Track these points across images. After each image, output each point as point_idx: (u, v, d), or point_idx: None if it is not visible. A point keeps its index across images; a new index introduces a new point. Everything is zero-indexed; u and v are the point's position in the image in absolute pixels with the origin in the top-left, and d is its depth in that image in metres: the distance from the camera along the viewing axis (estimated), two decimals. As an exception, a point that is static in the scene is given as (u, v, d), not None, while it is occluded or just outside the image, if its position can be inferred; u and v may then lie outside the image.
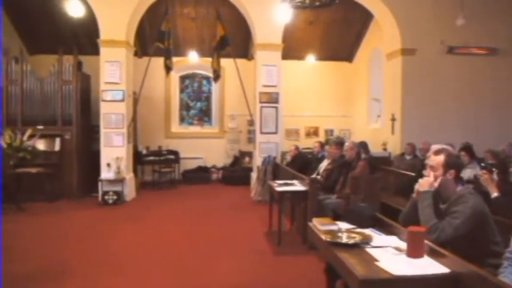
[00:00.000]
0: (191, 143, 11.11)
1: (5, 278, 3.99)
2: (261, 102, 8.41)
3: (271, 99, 8.44)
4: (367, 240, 2.54)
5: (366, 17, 10.16)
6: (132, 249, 5.09)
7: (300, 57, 11.28)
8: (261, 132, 8.42)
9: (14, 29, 9.95)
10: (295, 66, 11.14)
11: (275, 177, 7.54)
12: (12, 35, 9.87)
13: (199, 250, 5.03)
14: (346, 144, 5.73)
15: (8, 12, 9.55)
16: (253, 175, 8.70)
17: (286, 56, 9.03)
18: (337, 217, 3.69)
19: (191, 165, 11.00)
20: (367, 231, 2.77)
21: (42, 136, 7.97)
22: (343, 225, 3.00)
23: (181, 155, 10.74)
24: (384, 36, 9.06)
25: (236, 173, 10.51)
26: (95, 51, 8.47)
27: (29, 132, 7.53)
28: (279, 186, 5.39)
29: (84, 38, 9.69)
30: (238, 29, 9.93)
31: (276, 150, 8.39)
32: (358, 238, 2.56)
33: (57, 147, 8.24)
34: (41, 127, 8.12)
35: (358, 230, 2.78)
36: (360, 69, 11.39)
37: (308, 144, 10.53)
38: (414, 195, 2.79)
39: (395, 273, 1.97)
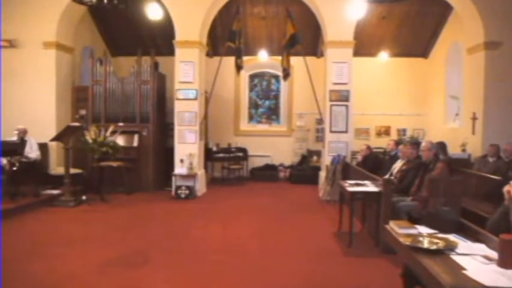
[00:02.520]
0: (259, 141, 11.24)
1: (93, 264, 4.33)
2: (331, 100, 8.27)
3: (342, 97, 8.27)
4: (451, 246, 2.40)
5: (444, 9, 9.58)
6: (204, 243, 5.26)
7: (372, 54, 10.92)
8: (331, 131, 8.28)
9: (99, 34, 10.76)
10: (366, 63, 10.81)
11: (345, 177, 7.39)
12: (97, 39, 10.69)
13: (268, 248, 5.07)
14: (423, 144, 5.44)
15: (94, 18, 10.35)
16: (322, 174, 8.60)
17: (357, 53, 8.79)
18: (412, 220, 3.53)
19: (259, 163, 11.12)
20: (451, 236, 2.62)
21: (122, 132, 8.52)
22: (423, 229, 2.87)
23: (250, 153, 10.90)
24: (464, 29, 8.48)
25: (304, 171, 10.45)
26: (170, 52, 8.87)
27: (111, 128, 8.08)
28: (351, 186, 5.27)
29: (161, 40, 10.21)
30: (308, 26, 9.85)
31: (346, 150, 8.21)
32: (441, 244, 2.43)
33: (135, 143, 8.75)
34: (121, 124, 8.68)
35: (441, 235, 2.64)
36: (436, 65, 10.76)
37: (379, 143, 10.20)
38: (506, 202, 2.58)
39: (487, 283, 1.84)
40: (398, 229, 2.76)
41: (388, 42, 10.77)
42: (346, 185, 5.36)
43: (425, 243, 2.43)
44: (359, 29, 8.58)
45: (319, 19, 8.58)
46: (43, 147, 8.03)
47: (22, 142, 7.27)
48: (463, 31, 8.62)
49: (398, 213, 4.70)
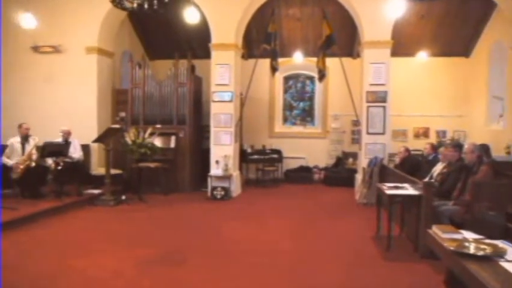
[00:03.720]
0: (294, 143, 11.21)
1: (134, 262, 4.46)
2: (367, 101, 8.14)
3: (379, 98, 8.12)
4: (500, 253, 2.31)
5: (486, 7, 9.23)
6: (240, 244, 5.29)
7: (410, 53, 10.65)
8: (367, 133, 8.15)
9: (137, 38, 11.09)
10: (404, 64, 10.55)
11: (382, 179, 7.24)
12: (135, 43, 11.03)
13: (304, 250, 5.04)
14: (466, 146, 5.26)
15: (133, 23, 10.69)
16: (358, 177, 8.47)
17: (394, 53, 8.60)
18: (454, 225, 3.43)
19: (293, 164, 11.09)
20: (498, 242, 2.52)
21: (160, 134, 8.71)
22: (468, 234, 2.77)
23: (284, 155, 10.89)
24: (508, 27, 8.13)
25: (339, 174, 10.32)
26: (206, 55, 9.01)
27: (149, 130, 8.29)
28: (389, 189, 5.16)
29: (197, 43, 10.39)
30: (344, 27, 9.74)
31: (383, 152, 8.05)
32: (489, 250, 2.34)
33: (172, 145, 8.94)
34: (159, 126, 8.89)
35: (488, 240, 2.54)
36: (478, 64, 10.36)
37: (417, 145, 9.92)
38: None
39: (541, 292, 1.76)
40: (442, 234, 2.69)
41: (427, 42, 10.47)
42: (385, 187, 5.26)
43: (472, 249, 2.35)
44: (397, 28, 8.39)
45: (356, 19, 8.46)
46: (85, 149, 8.34)
47: (66, 143, 7.58)
48: (507, 29, 8.27)
49: (439, 217, 4.57)
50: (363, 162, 8.12)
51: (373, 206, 6.45)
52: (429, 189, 4.68)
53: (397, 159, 7.89)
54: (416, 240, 4.90)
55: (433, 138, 10.55)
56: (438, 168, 5.82)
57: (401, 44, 9.67)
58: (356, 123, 9.55)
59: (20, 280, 3.90)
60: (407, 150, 7.53)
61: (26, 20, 7.91)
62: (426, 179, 5.59)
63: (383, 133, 8.14)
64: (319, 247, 5.18)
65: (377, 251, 4.98)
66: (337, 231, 5.98)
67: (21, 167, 6.90)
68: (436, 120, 10.84)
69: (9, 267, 4.21)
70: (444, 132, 10.84)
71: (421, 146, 9.43)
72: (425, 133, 10.98)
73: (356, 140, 10.42)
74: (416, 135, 11.00)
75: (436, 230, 2.79)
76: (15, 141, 7.20)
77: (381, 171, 7.63)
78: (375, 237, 5.52)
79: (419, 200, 4.76)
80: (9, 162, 6.95)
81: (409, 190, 5.07)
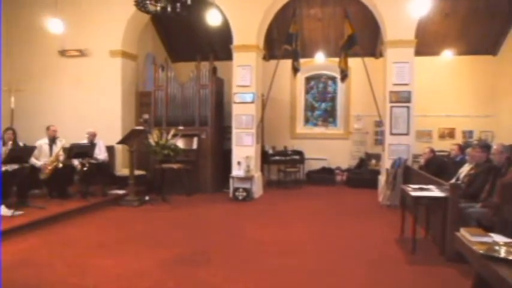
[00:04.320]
0: (315, 144, 11.14)
1: (158, 261, 4.52)
2: (391, 101, 8.02)
3: (402, 98, 7.99)
4: (532, 257, 2.23)
5: (515, 3, 8.98)
6: (262, 245, 5.28)
7: (435, 52, 10.45)
8: (391, 133, 8.03)
9: (160, 41, 11.26)
10: (428, 63, 10.35)
11: (406, 181, 7.12)
12: (158, 46, 11.20)
13: (326, 252, 4.99)
14: (494, 147, 5.11)
15: (155, 26, 10.85)
16: (381, 178, 8.35)
17: (418, 52, 8.46)
18: (482, 228, 3.34)
19: (315, 166, 11.03)
20: (530, 246, 2.43)
21: (182, 135, 8.80)
22: (498, 237, 2.70)
23: (306, 156, 10.84)
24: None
25: (362, 175, 10.20)
26: (228, 56, 9.07)
27: (172, 131, 8.39)
28: (414, 190, 5.06)
29: (218, 45, 10.47)
30: (366, 26, 9.63)
31: (407, 153, 7.91)
32: (520, 254, 2.27)
33: (194, 146, 9.02)
34: (181, 127, 8.98)
35: (519, 244, 2.47)
36: (506, 62, 10.07)
37: (442, 146, 9.73)
38: None
39: None
40: (470, 237, 2.62)
41: (452, 40, 10.25)
42: (409, 189, 5.16)
43: (503, 253, 2.29)
44: (420, 27, 8.25)
45: (378, 18, 8.36)
46: (109, 150, 8.51)
47: (92, 145, 7.75)
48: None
49: (466, 219, 4.45)
50: (387, 163, 8.00)
51: (397, 208, 6.34)
52: (456, 191, 4.57)
53: (421, 161, 7.74)
54: (442, 243, 4.80)
55: (458, 139, 10.31)
56: (465, 169, 5.68)
57: (426, 42, 9.50)
58: (379, 123, 9.43)
59: (50, 277, 4.01)
60: (432, 151, 7.37)
61: (54, 25, 8.12)
62: (452, 181, 5.47)
63: (407, 134, 8.00)
64: (342, 249, 5.13)
65: (401, 254, 4.89)
66: (360, 233, 5.91)
67: (49, 167, 7.09)
68: (462, 120, 10.59)
69: (39, 265, 4.34)
70: (471, 133, 10.59)
71: (446, 146, 9.23)
72: (451, 134, 10.74)
73: (379, 140, 10.30)
74: (442, 136, 10.77)
75: (464, 233, 2.72)
76: (43, 142, 7.40)
77: (405, 173, 7.51)
78: (399, 240, 5.43)
79: (446, 202, 4.66)
80: (38, 163, 7.14)
81: (434, 192, 4.97)
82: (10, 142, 6.55)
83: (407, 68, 7.97)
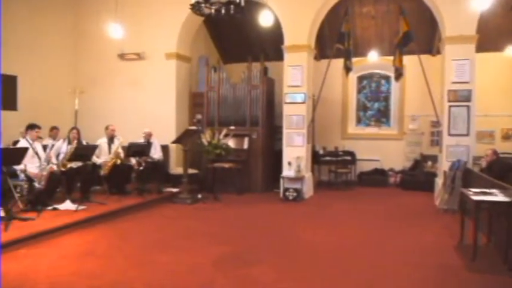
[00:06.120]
0: (368, 145, 10.89)
1: (211, 258, 4.63)
2: (449, 101, 7.66)
3: (462, 97, 7.60)
4: None
5: None
6: (312, 246, 5.25)
7: (498, 48, 9.81)
8: (449, 134, 7.66)
9: (212, 43, 11.52)
10: (491, 59, 9.75)
11: (466, 184, 6.76)
12: (210, 47, 11.47)
13: (379, 257, 4.83)
14: None
15: (208, 28, 11.12)
16: (438, 181, 7.99)
17: (479, 48, 8.01)
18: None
19: (367, 167, 10.77)
20: None
21: (234, 135, 8.94)
22: None
23: (358, 157, 10.62)
24: None
25: (417, 177, 9.82)
26: (278, 57, 9.11)
27: (224, 131, 8.56)
28: (475, 194, 4.80)
29: (269, 45, 10.53)
30: (422, 22, 9.29)
31: (467, 154, 7.52)
32: None
33: (245, 146, 9.13)
34: (232, 127, 9.13)
35: None
36: None
37: (505, 148, 9.20)
38: None
39: None
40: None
41: (518, 35, 9.60)
42: (470, 193, 4.91)
43: None
44: (482, 21, 7.79)
45: (436, 13, 8.01)
46: (164, 149, 8.83)
47: (148, 144, 8.08)
48: None
49: (534, 227, 4.17)
50: (444, 165, 7.65)
51: (455, 212, 6.06)
52: (522, 196, 4.28)
53: (483, 163, 7.32)
54: (505, 251, 4.51)
55: (525, 140, 9.67)
56: (532, 173, 5.31)
57: (487, 38, 8.96)
58: (436, 124, 9.04)
59: (111, 269, 4.24)
60: (495, 152, 6.95)
61: (114, 31, 8.56)
62: (518, 185, 5.14)
63: (467, 134, 7.61)
64: (397, 254, 4.96)
65: (461, 261, 4.66)
66: (416, 238, 5.69)
67: (109, 164, 7.48)
68: (528, 120, 9.91)
69: (101, 257, 4.61)
70: (539, 134, 9.89)
71: (510, 148, 8.67)
72: (516, 135, 10.08)
73: (436, 141, 9.88)
74: (505, 137, 10.12)
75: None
76: (102, 141, 7.81)
77: (464, 176, 7.13)
78: (458, 246, 5.18)
79: (510, 207, 4.38)
80: (98, 160, 7.56)
81: (498, 196, 4.68)
82: (75, 141, 6.99)
83: (467, 65, 7.58)
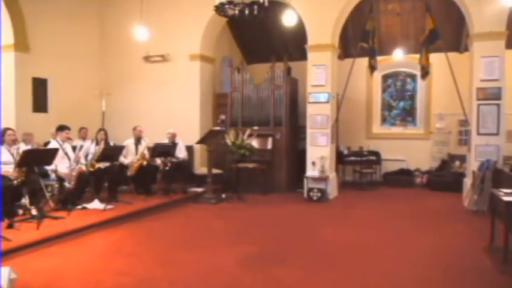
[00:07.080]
0: (393, 144, 10.71)
1: (235, 258, 4.66)
2: (478, 99, 7.45)
3: (491, 95, 7.39)
4: None
5: None
6: (337, 247, 5.21)
7: (529, 44, 9.50)
8: (478, 133, 7.46)
9: (235, 44, 11.59)
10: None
11: (496, 185, 6.56)
12: (234, 48, 11.54)
13: (406, 259, 4.76)
14: None
15: (231, 29, 11.19)
16: (467, 181, 7.79)
17: (509, 44, 7.76)
18: None
19: (392, 167, 10.60)
20: None
21: (257, 136, 8.97)
22: None
23: (383, 157, 10.46)
24: None
25: (444, 178, 9.59)
26: (302, 56, 9.07)
27: (248, 132, 8.59)
28: (506, 195, 4.66)
29: (292, 45, 10.53)
30: (448, 19, 9.09)
31: (497, 154, 7.29)
32: None
33: (269, 146, 9.14)
34: (256, 127, 9.15)
35: None
36: None
37: (538, 148, 8.83)
38: None
39: None
40: None
41: (551, 30, 9.25)
42: (501, 194, 4.77)
43: None
44: (512, 17, 7.57)
45: (463, 9, 7.80)
46: (189, 149, 8.93)
47: (173, 144, 8.20)
48: None
49: None
50: (473, 165, 7.45)
51: (485, 213, 5.89)
52: (556, 196, 4.14)
53: (514, 163, 7.11)
54: (539, 254, 4.37)
55: (559, 139, 9.29)
56: None
57: (518, 34, 8.68)
58: (464, 123, 8.82)
59: (139, 267, 4.33)
60: (526, 152, 6.74)
61: (139, 33, 8.71)
62: (552, 185, 4.96)
63: (497, 134, 7.38)
64: (424, 256, 4.87)
65: (491, 264, 4.54)
66: (444, 239, 5.56)
67: (136, 165, 7.64)
68: None
69: (128, 255, 4.72)
70: None
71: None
72: (549, 133, 9.70)
73: (464, 141, 9.65)
74: (538, 136, 9.77)
75: None
76: (130, 142, 7.98)
77: (494, 176, 6.93)
78: (488, 249, 5.04)
79: (544, 208, 4.24)
80: (125, 161, 7.73)
81: (530, 197, 4.54)
82: (102, 142, 7.16)
83: (497, 62, 7.35)
